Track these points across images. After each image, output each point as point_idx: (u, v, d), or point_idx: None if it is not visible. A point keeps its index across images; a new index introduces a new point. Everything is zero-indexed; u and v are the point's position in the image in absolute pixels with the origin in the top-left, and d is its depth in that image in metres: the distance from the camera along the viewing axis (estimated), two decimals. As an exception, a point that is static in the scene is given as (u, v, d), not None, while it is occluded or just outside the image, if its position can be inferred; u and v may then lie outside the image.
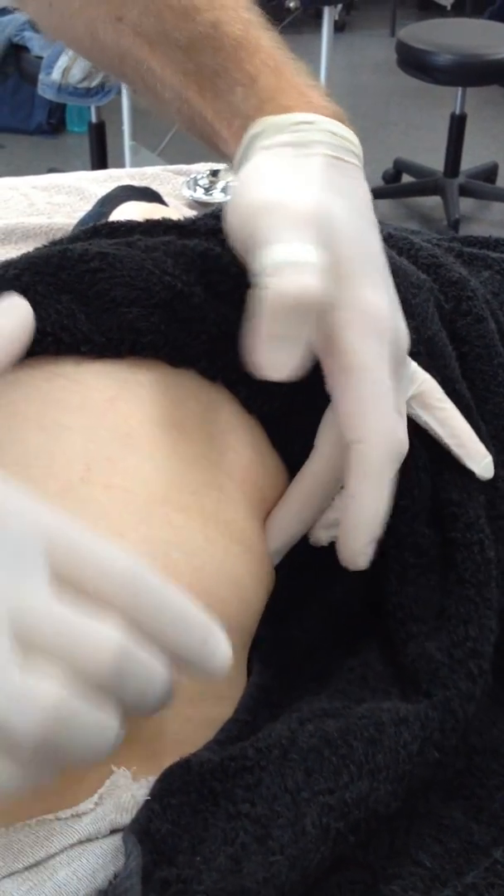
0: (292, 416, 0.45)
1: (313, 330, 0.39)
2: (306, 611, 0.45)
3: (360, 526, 0.40)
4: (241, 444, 0.44)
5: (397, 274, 0.50)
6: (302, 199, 0.41)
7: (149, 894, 0.29)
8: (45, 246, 0.46)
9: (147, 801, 0.32)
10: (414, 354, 0.47)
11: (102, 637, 0.30)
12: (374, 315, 0.41)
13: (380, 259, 0.43)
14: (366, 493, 0.40)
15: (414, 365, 0.46)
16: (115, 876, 0.31)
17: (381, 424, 0.40)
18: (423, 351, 0.48)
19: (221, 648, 0.33)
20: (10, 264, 0.44)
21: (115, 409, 0.41)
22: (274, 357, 0.38)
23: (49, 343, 0.42)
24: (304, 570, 0.45)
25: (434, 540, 0.45)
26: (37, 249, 0.45)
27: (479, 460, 0.47)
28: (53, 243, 0.47)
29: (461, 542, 0.44)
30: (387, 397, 0.40)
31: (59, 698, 0.29)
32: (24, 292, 0.41)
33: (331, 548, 0.46)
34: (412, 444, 0.46)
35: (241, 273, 0.43)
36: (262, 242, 0.39)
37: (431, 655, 0.40)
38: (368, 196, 0.45)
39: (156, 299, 0.43)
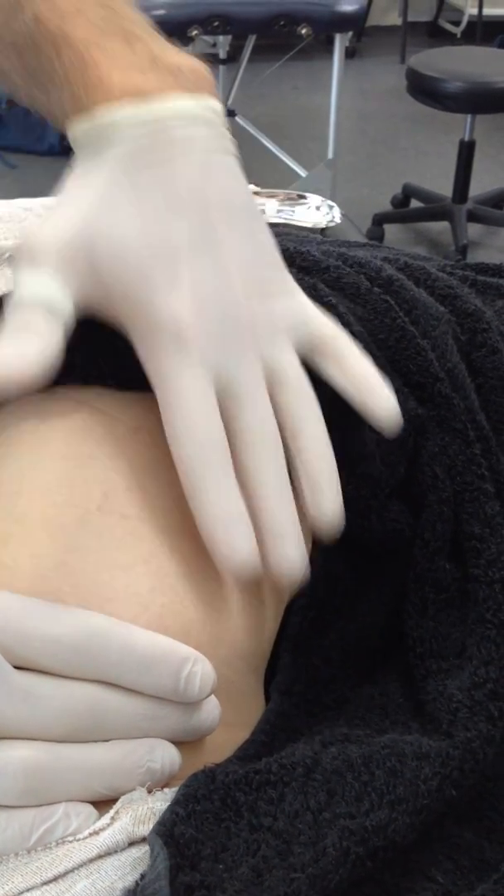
0: None
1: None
2: (326, 640, 0.45)
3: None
4: None
5: (416, 306, 0.51)
6: (52, 241, 0.41)
7: None
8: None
9: (171, 805, 0.33)
10: (439, 382, 0.48)
11: (59, 708, 0.33)
12: (160, 326, 0.40)
13: (181, 251, 0.41)
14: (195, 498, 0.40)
15: (308, 312, 0.44)
16: (142, 877, 0.31)
17: (190, 437, 0.40)
18: (447, 379, 0.49)
19: (199, 674, 0.35)
20: None
21: (139, 440, 0.42)
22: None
23: (77, 376, 0.43)
24: (324, 599, 0.45)
25: (455, 575, 0.45)
26: None
27: (381, 413, 0.44)
28: None
29: (483, 579, 0.44)
30: (190, 411, 0.40)
31: (31, 758, 0.32)
32: None
33: (352, 578, 0.46)
34: (435, 477, 0.46)
35: None
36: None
37: (452, 695, 0.40)
38: (192, 169, 0.42)
39: None
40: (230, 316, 0.41)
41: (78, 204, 0.42)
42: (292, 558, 0.40)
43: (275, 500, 0.40)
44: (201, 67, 0.45)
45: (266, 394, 0.42)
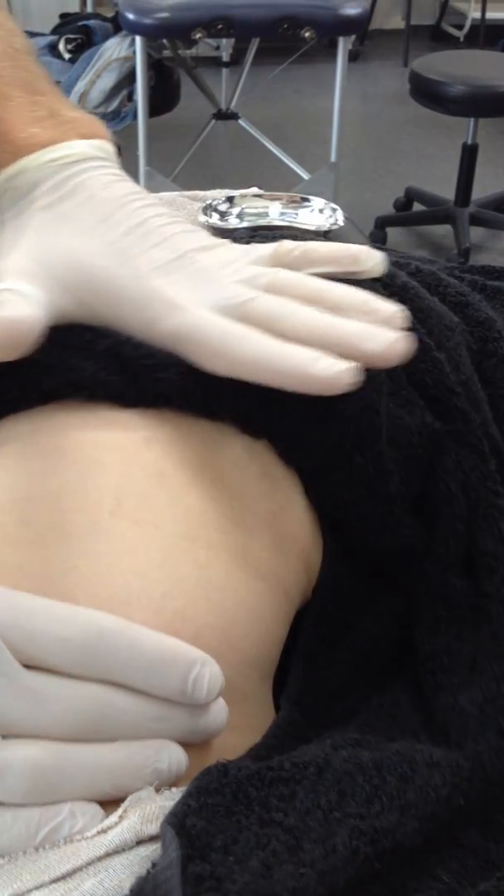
0: (330, 471, 0.45)
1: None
2: (336, 654, 0.45)
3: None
4: (273, 490, 0.45)
5: (431, 315, 0.51)
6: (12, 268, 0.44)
7: (184, 887, 0.30)
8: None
9: (184, 797, 0.33)
10: (455, 395, 0.48)
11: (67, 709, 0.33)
12: (141, 283, 0.44)
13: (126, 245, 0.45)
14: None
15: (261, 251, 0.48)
16: (154, 865, 0.31)
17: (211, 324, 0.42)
18: (463, 392, 0.49)
19: (207, 677, 0.35)
20: None
21: (150, 449, 0.42)
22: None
23: (84, 396, 0.43)
24: (336, 612, 0.46)
25: (466, 591, 0.45)
26: None
27: (369, 265, 0.48)
28: None
29: (496, 596, 0.44)
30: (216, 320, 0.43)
31: (38, 757, 0.32)
32: (62, 346, 0.43)
33: (363, 590, 0.46)
34: (450, 492, 0.46)
35: None
36: None
37: (462, 708, 0.41)
38: (105, 191, 0.46)
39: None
40: (196, 267, 0.45)
41: (17, 244, 0.46)
42: (383, 336, 0.43)
43: (329, 321, 0.43)
44: (94, 119, 0.50)
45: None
